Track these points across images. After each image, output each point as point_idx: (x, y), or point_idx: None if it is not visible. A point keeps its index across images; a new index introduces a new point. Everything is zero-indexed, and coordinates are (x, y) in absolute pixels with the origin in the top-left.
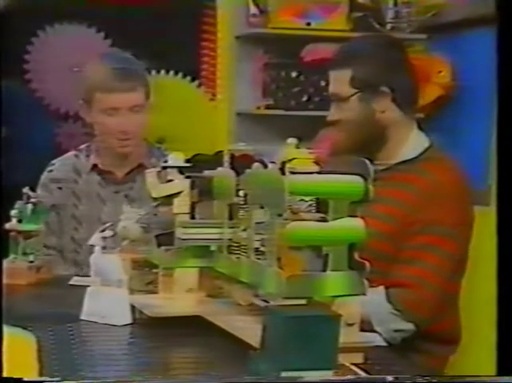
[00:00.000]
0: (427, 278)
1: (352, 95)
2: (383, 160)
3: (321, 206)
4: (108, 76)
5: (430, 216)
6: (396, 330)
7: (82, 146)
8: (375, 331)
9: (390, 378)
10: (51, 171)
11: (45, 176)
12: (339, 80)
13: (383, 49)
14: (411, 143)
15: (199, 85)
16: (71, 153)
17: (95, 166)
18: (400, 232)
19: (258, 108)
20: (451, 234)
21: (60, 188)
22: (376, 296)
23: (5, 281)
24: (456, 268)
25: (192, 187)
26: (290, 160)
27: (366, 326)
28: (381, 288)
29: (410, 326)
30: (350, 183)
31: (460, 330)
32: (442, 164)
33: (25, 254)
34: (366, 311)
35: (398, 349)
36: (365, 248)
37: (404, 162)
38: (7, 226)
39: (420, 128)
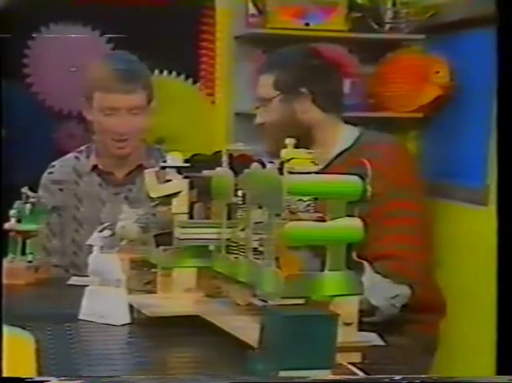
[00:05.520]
0: (404, 241)
1: (275, 97)
2: (315, 161)
3: (319, 206)
4: (109, 76)
5: (385, 186)
6: (393, 297)
7: (82, 147)
8: (373, 312)
9: (392, 378)
10: (51, 172)
11: (45, 178)
12: (264, 85)
13: (302, 58)
14: (341, 137)
15: (201, 88)
16: (71, 155)
17: (95, 167)
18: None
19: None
20: (412, 197)
21: (61, 190)
22: None
23: (3, 281)
24: (427, 229)
25: (191, 187)
26: (288, 160)
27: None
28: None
29: (404, 289)
30: (348, 183)
31: (442, 295)
32: (379, 143)
33: (23, 254)
34: None
35: (394, 323)
36: None
37: (340, 154)
38: (6, 226)
39: (347, 122)
